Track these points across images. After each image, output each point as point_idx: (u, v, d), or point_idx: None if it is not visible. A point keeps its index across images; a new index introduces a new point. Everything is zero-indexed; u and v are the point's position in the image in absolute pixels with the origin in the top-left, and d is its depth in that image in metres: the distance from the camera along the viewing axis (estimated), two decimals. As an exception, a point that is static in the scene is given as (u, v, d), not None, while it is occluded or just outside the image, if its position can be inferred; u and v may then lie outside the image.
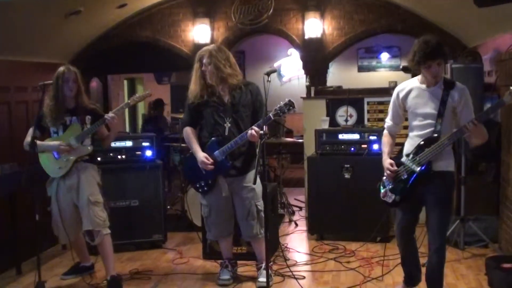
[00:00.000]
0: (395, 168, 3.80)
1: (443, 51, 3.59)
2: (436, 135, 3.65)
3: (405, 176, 3.76)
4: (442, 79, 3.72)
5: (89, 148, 4.47)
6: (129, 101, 4.48)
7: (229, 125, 4.32)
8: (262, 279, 4.34)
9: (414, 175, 3.71)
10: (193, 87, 4.39)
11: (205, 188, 4.45)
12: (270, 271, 4.47)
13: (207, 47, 4.41)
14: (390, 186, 3.86)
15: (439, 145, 3.61)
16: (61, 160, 4.43)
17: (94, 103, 4.66)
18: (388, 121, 4.01)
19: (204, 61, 4.32)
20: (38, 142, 4.41)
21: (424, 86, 3.75)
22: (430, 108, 3.69)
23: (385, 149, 3.96)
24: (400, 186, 3.80)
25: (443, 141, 3.60)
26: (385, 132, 4.03)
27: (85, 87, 4.68)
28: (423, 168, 3.67)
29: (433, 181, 3.68)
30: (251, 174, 4.31)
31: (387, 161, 3.86)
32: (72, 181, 4.43)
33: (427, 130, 3.70)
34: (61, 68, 4.42)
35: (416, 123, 3.77)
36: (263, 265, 4.41)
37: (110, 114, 4.35)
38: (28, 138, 4.44)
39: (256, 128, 4.09)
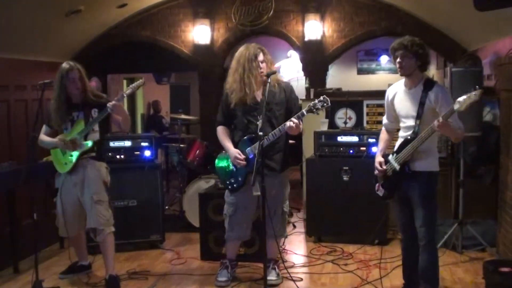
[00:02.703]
0: (384, 168, 3.96)
1: (405, 44, 3.77)
2: (411, 136, 3.80)
3: (390, 173, 3.94)
4: (423, 81, 3.85)
5: (88, 144, 4.41)
6: (125, 91, 4.34)
7: (261, 123, 4.31)
8: (271, 277, 4.50)
9: (396, 173, 3.88)
10: (248, 89, 4.26)
11: (234, 185, 4.43)
12: (277, 270, 4.62)
13: (250, 45, 4.35)
14: (381, 181, 4.03)
15: (412, 146, 3.75)
16: (66, 156, 4.44)
17: (101, 95, 4.59)
18: (384, 119, 4.21)
19: (262, 58, 4.30)
20: (43, 137, 4.49)
21: (406, 88, 3.91)
22: (411, 110, 3.84)
23: (380, 146, 4.18)
24: (388, 182, 3.98)
25: (413, 143, 3.75)
26: (383, 128, 4.24)
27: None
28: (400, 167, 3.84)
29: (414, 179, 3.82)
30: (285, 173, 4.43)
31: (377, 159, 4.04)
32: (78, 177, 4.43)
33: (409, 132, 3.84)
34: (64, 67, 4.37)
35: (401, 124, 3.97)
36: (271, 264, 4.59)
37: (111, 103, 4.26)
38: (41, 135, 4.53)
39: (295, 120, 4.09)
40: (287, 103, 4.39)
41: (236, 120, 4.43)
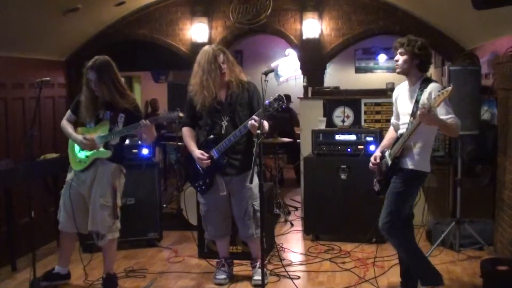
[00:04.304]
0: (377, 161, 4.08)
1: (402, 42, 3.90)
2: (401, 134, 3.91)
3: (384, 169, 4.01)
4: (421, 80, 3.87)
5: (108, 152, 4.30)
6: (157, 118, 4.34)
7: (226, 123, 4.32)
8: (258, 277, 4.36)
9: (388, 168, 3.95)
10: (206, 91, 4.25)
11: (203, 187, 4.45)
12: (265, 270, 4.48)
13: (210, 47, 4.36)
14: (378, 177, 4.10)
15: (401, 140, 3.84)
16: (82, 154, 4.37)
17: (132, 101, 4.36)
18: (392, 118, 4.26)
19: (222, 59, 4.29)
20: (65, 125, 4.42)
21: (408, 87, 3.96)
22: (408, 108, 3.89)
23: (383, 142, 4.25)
24: (382, 177, 4.05)
25: (402, 137, 3.83)
26: (390, 127, 4.28)
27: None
28: (392, 162, 3.92)
29: (399, 174, 3.90)
30: (249, 173, 4.32)
31: (374, 154, 4.15)
32: (88, 176, 4.33)
33: (405, 129, 3.89)
34: (87, 64, 4.23)
35: (400, 122, 4.04)
36: (258, 263, 4.46)
37: (145, 122, 4.14)
38: (64, 120, 4.47)
39: (256, 118, 4.06)
40: (251, 104, 4.37)
41: (201, 121, 4.43)
